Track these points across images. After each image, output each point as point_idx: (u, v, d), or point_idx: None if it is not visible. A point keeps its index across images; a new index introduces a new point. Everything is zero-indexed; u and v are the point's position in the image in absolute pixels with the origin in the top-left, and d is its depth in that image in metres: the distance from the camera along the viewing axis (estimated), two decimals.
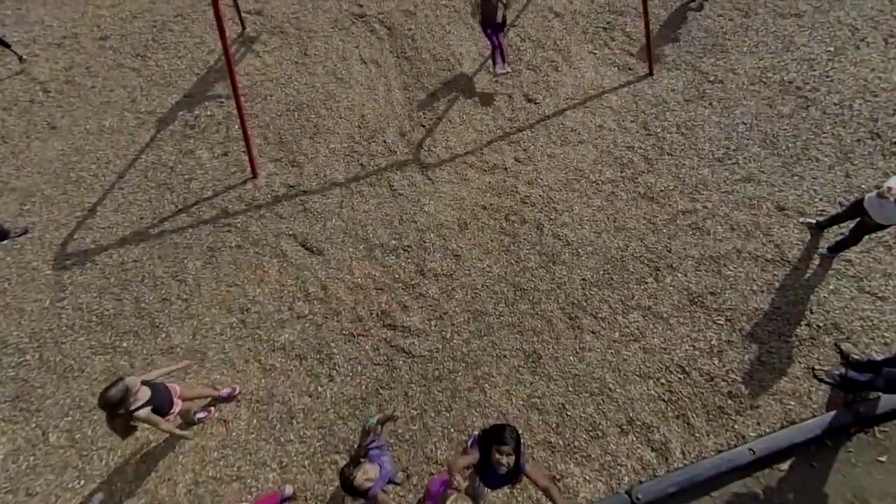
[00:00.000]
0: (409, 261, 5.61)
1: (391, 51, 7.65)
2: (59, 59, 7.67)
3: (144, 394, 3.89)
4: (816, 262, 5.30)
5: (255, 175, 6.31)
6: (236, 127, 6.86)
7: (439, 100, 7.05)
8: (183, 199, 6.20)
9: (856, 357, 4.63)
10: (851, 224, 5.05)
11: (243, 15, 8.09)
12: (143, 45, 7.75)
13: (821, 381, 4.65)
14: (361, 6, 8.11)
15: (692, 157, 6.23)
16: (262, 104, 7.07)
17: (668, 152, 6.30)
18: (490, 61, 7.15)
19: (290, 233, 5.86)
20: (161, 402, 4.02)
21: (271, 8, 8.19)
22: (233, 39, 7.83)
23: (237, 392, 4.83)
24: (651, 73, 7.06)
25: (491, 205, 5.98)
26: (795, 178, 5.94)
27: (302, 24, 7.96)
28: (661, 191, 6.00)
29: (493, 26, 6.85)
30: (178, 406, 4.21)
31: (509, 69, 7.05)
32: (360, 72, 7.42)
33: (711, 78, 6.94)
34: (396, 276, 5.51)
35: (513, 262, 5.57)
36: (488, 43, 7.08)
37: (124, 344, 5.13)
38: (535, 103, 6.89)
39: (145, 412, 3.85)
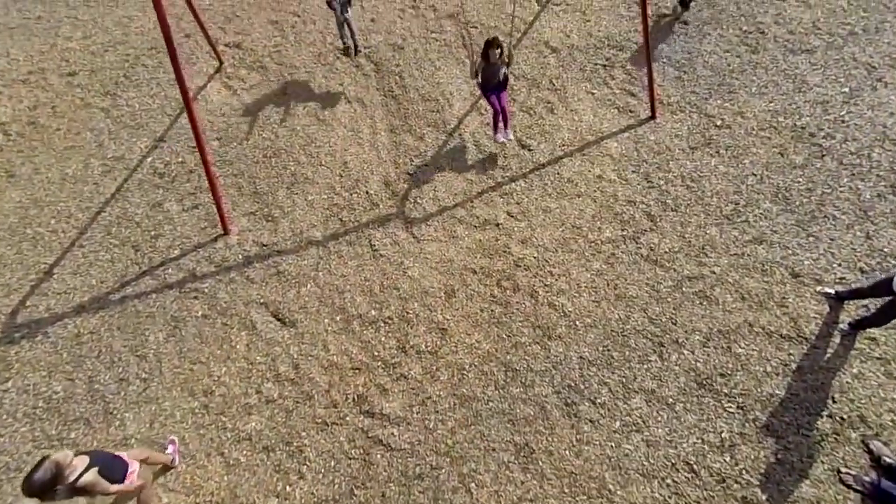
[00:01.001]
0: (390, 335, 5.00)
1: (377, 88, 7.03)
2: (23, 98, 7.03)
3: (82, 461, 3.30)
4: (837, 339, 4.70)
5: (226, 231, 5.70)
6: (205, 185, 6.24)
7: (427, 144, 6.43)
8: (148, 259, 5.58)
9: (889, 460, 4.03)
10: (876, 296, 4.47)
11: (221, 48, 7.46)
12: (114, 81, 7.11)
13: (849, 487, 4.05)
14: (344, 41, 7.47)
15: (698, 214, 5.62)
16: (238, 149, 6.44)
17: (672, 208, 5.69)
18: (492, 125, 6.46)
19: (262, 300, 5.25)
20: (108, 466, 3.43)
21: (251, 41, 7.55)
22: (209, 75, 7.21)
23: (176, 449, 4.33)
24: (653, 117, 6.43)
25: (481, 268, 5.36)
26: (811, 239, 5.33)
27: (283, 59, 7.32)
28: (666, 252, 5.39)
29: (494, 88, 5.91)
30: (134, 466, 3.64)
31: (511, 137, 6.15)
32: (344, 112, 6.79)
33: (718, 122, 6.32)
34: (376, 353, 4.90)
35: (504, 336, 4.96)
36: (488, 102, 6.31)
37: (72, 434, 4.52)
38: (529, 150, 6.26)
39: (91, 475, 3.25)
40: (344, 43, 7.05)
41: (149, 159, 6.36)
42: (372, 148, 6.42)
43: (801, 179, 5.76)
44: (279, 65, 7.26)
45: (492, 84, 5.85)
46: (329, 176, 6.14)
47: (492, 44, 5.48)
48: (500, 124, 5.99)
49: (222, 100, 6.94)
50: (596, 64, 7.02)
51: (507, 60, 5.76)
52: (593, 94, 6.76)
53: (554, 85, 6.85)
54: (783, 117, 6.28)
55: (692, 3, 7.52)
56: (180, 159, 6.37)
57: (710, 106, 6.49)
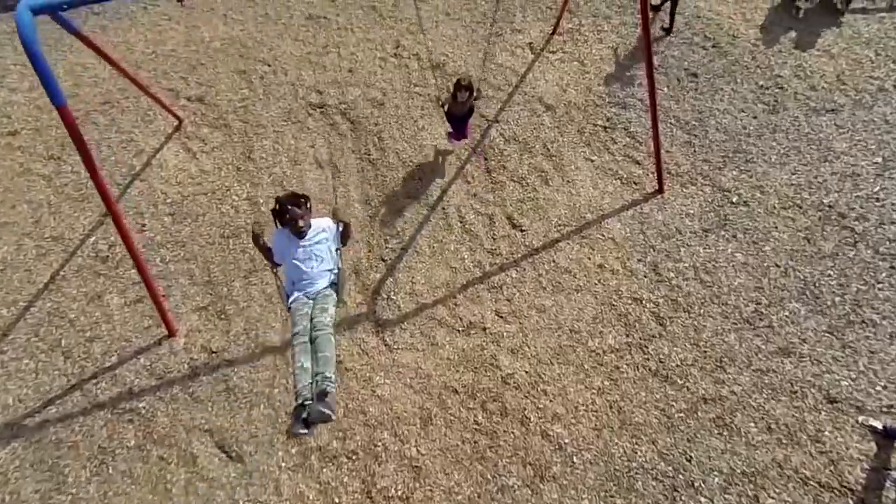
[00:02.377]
0: (354, 474, 4.08)
1: (353, 151, 6.07)
2: None
3: None
4: (893, 494, 3.79)
5: (171, 333, 4.78)
6: (158, 260, 5.31)
7: (406, 219, 5.49)
8: (79, 369, 4.65)
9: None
10: None
11: (182, 102, 6.50)
12: (59, 143, 6.15)
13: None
14: (321, 94, 6.51)
15: (714, 316, 4.70)
16: (193, 227, 5.50)
17: (684, 307, 4.76)
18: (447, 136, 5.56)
19: (206, 426, 4.32)
20: None
21: (216, 93, 6.58)
22: (167, 134, 6.25)
23: None
24: (661, 191, 5.49)
25: (464, 386, 4.44)
26: (847, 351, 4.42)
27: (250, 116, 6.36)
28: (677, 366, 4.47)
29: (459, 118, 5.36)
30: None
31: (465, 143, 5.84)
32: (315, 180, 5.84)
33: (734, 198, 5.39)
34: (336, 499, 3.99)
35: (489, 477, 4.05)
36: (461, 138, 5.66)
37: None
38: (522, 230, 5.33)
39: None
40: None
41: (92, 239, 5.41)
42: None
43: (831, 272, 4.84)
44: (245, 122, 6.30)
45: (458, 116, 5.31)
46: None
47: (461, 86, 4.86)
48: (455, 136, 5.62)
49: (179, 165, 5.98)
50: (596, 125, 6.07)
51: (476, 97, 5.18)
52: (593, 161, 5.81)
53: (549, 150, 5.90)
54: (808, 193, 5.35)
55: (672, 29, 6.77)
56: None
57: (724, 178, 5.55)
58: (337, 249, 3.75)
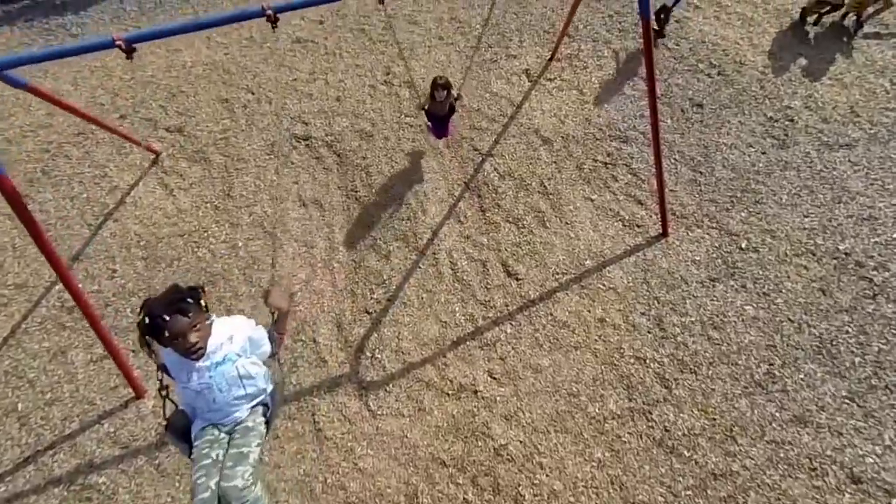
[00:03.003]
0: None
1: (339, 187, 5.64)
2: None
3: None
4: None
5: (138, 395, 4.35)
6: (129, 310, 4.88)
7: (393, 265, 5.06)
8: (36, 437, 4.23)
9: None
10: None
11: (160, 133, 6.06)
12: (29, 178, 5.72)
13: None
14: (307, 125, 6.07)
15: (724, 378, 4.27)
16: (166, 273, 5.07)
17: (690, 368, 4.34)
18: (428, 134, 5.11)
19: None
20: None
21: (196, 123, 6.14)
22: (144, 168, 5.81)
23: None
24: (665, 234, 5.07)
25: (453, 459, 4.01)
26: (870, 421, 4.00)
27: (231, 149, 5.92)
28: (684, 435, 4.05)
29: (440, 118, 5.18)
30: None
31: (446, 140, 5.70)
32: (297, 219, 5.41)
33: (743, 243, 4.96)
34: None
35: None
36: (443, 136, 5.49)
37: None
38: (517, 279, 4.90)
39: None
40: None
41: (58, 287, 4.98)
42: (326, 271, 5.06)
43: (850, 329, 4.41)
44: (225, 156, 5.86)
45: (439, 115, 5.10)
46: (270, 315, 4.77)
47: (438, 85, 4.71)
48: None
49: (155, 202, 5.55)
50: (596, 160, 5.63)
51: (455, 96, 5.01)
52: (593, 200, 5.38)
53: (546, 188, 5.47)
54: (822, 238, 4.92)
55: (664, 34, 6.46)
56: (96, 286, 5.00)
57: (732, 220, 5.12)
58: (271, 356, 2.54)
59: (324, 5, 7.30)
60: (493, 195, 5.43)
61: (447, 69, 6.49)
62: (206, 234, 5.30)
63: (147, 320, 2.05)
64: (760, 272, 4.77)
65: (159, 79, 6.58)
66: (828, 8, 6.28)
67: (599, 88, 6.24)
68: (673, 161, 5.56)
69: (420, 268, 4.99)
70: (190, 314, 2.11)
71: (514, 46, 6.68)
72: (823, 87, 5.99)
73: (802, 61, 6.24)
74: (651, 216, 5.20)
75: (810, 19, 6.48)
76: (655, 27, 6.65)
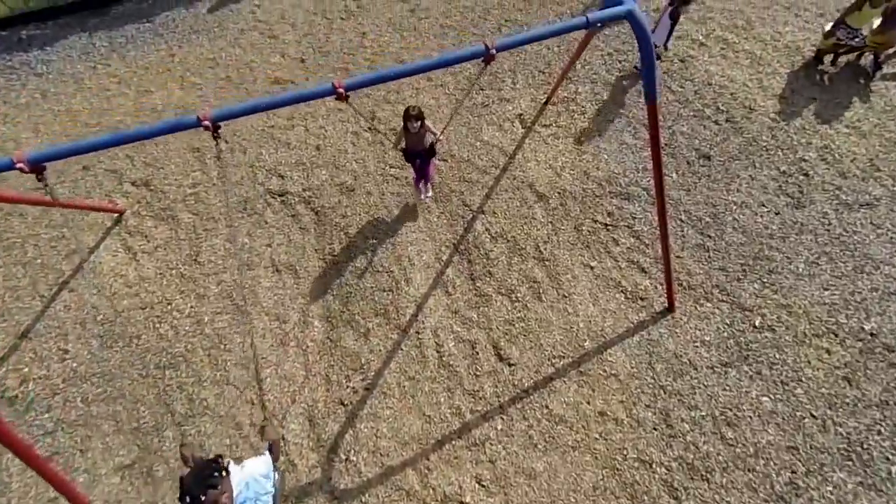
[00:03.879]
0: None
1: (316, 249, 5.05)
2: None
3: None
4: None
5: None
6: (79, 400, 4.30)
7: (372, 346, 4.48)
8: None
9: None
10: None
11: (125, 188, 5.47)
12: None
13: None
14: (283, 178, 5.47)
15: (740, 488, 3.70)
16: (124, 354, 4.49)
17: (702, 474, 3.77)
18: (413, 184, 4.49)
19: None
20: None
21: (164, 176, 5.54)
22: (106, 228, 5.22)
23: None
24: (671, 309, 4.49)
25: None
26: None
27: (200, 207, 5.33)
28: None
29: (418, 155, 4.69)
30: None
31: (430, 194, 5.23)
32: (269, 289, 4.83)
33: (757, 321, 4.38)
34: None
35: None
36: (422, 180, 4.96)
37: None
38: (510, 364, 4.32)
39: None
40: None
41: (1, 370, 4.41)
42: (299, 351, 4.48)
43: (882, 428, 3.85)
44: (194, 215, 5.27)
45: (416, 151, 4.61)
46: (235, 403, 4.20)
47: (410, 116, 4.31)
48: (422, 185, 5.08)
49: (117, 268, 4.96)
50: (595, 221, 5.05)
51: (435, 137, 4.61)
52: (592, 268, 4.80)
53: (542, 252, 4.89)
54: (844, 316, 4.35)
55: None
56: (44, 371, 4.42)
57: (744, 292, 4.54)
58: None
59: (306, 43, 6.73)
60: (485, 260, 4.85)
61: (436, 113, 5.90)
62: (169, 307, 4.71)
63: (187, 499, 2.33)
64: (777, 356, 4.20)
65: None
66: (845, 49, 5.70)
67: (598, 136, 5.65)
68: (679, 222, 4.98)
69: (402, 349, 4.41)
70: (219, 486, 2.38)
71: (508, 89, 6.09)
72: (840, 137, 5.41)
73: (816, 106, 5.66)
74: (656, 286, 4.62)
75: (826, 59, 5.89)
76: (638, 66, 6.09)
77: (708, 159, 5.37)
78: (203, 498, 2.31)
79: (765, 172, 5.23)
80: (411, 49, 6.53)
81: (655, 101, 3.16)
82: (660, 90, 5.78)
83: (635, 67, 6.02)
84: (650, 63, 2.97)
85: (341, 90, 2.55)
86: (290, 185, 5.41)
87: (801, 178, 5.15)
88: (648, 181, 5.19)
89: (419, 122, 4.37)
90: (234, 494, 2.50)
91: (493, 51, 2.65)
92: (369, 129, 5.81)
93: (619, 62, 6.21)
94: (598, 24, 2.78)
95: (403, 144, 4.66)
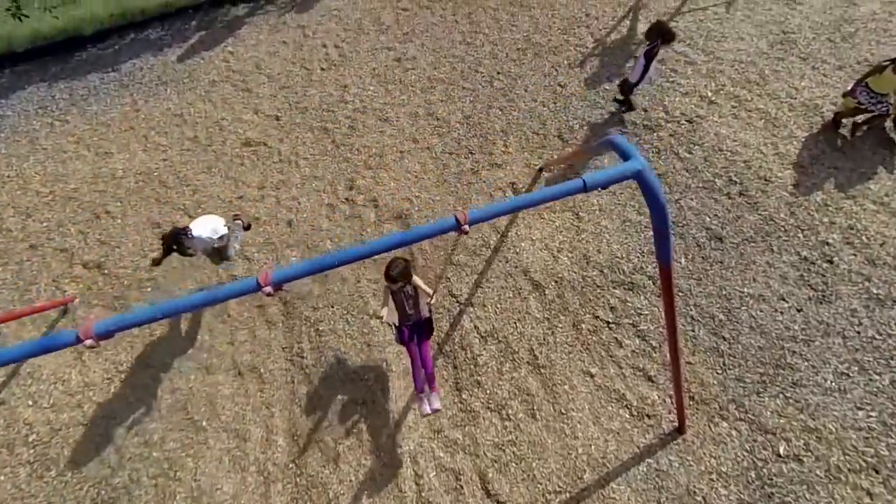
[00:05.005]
0: None
1: (283, 348, 4.36)
2: None
3: None
4: None
5: None
6: None
7: (343, 475, 3.78)
8: None
9: None
10: None
11: (75, 271, 4.77)
12: None
13: None
14: (250, 261, 4.77)
15: None
16: (56, 483, 3.79)
17: None
18: (413, 384, 3.70)
19: None
20: None
21: (119, 257, 4.84)
22: (50, 322, 4.53)
23: None
24: (682, 430, 3.81)
25: None
26: None
27: (157, 294, 4.63)
28: None
29: (412, 328, 3.58)
30: None
31: (439, 406, 3.57)
32: (229, 398, 4.13)
33: (781, 447, 3.70)
34: None
35: None
36: (425, 369, 3.75)
37: None
38: (499, 501, 3.63)
39: None
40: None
41: None
42: (259, 479, 3.79)
43: None
44: (150, 304, 4.57)
45: (408, 322, 3.49)
46: None
47: (389, 277, 3.29)
48: (424, 385, 3.53)
49: (58, 372, 4.27)
50: (596, 317, 4.36)
51: (427, 291, 3.58)
52: (593, 376, 4.11)
53: (536, 356, 4.20)
54: (885, 445, 3.66)
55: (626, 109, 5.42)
56: None
57: (765, 409, 3.86)
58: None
59: (282, 97, 5.95)
60: (472, 366, 4.16)
61: (421, 180, 5.21)
62: (115, 421, 4.02)
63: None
64: (808, 496, 3.52)
65: (83, 194, 5.27)
66: (866, 116, 5.00)
67: (599, 211, 4.95)
68: (689, 320, 4.29)
69: (376, 481, 3.72)
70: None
71: (499, 152, 5.38)
72: (866, 215, 4.71)
73: (839, 178, 4.96)
74: (664, 400, 3.94)
75: (846, 122, 5.20)
76: (620, 97, 5.48)
77: (720, 241, 4.68)
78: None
79: (784, 258, 4.53)
80: (396, 105, 5.82)
81: (670, 265, 2.45)
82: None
83: (615, 100, 5.41)
84: (663, 232, 2.27)
85: (268, 288, 1.85)
86: (257, 269, 4.71)
87: (825, 265, 4.46)
88: (655, 267, 4.50)
89: (402, 283, 3.37)
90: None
91: (466, 227, 1.96)
92: (347, 200, 5.11)
93: (621, 121, 5.50)
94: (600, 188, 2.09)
95: (389, 315, 3.56)
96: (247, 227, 4.57)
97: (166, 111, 5.87)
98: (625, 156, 2.14)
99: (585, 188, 2.06)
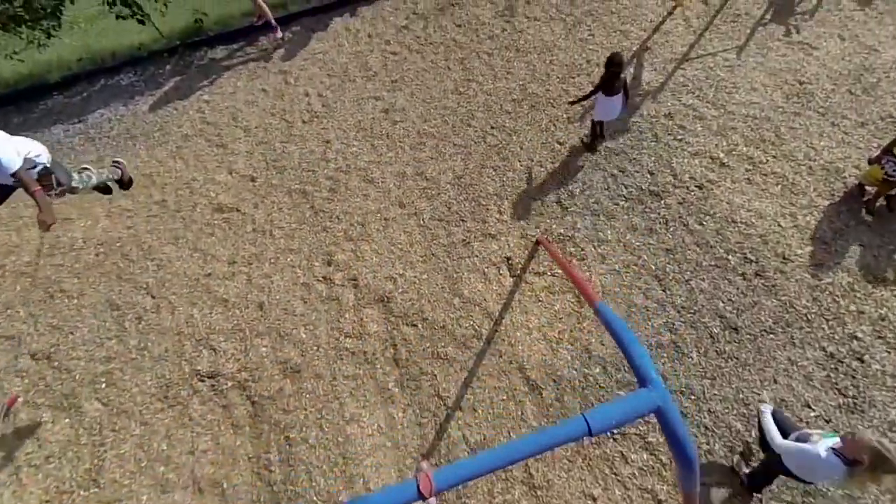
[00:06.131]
0: None
1: (250, 458, 3.76)
2: None
3: None
4: None
5: None
6: None
7: None
8: None
9: None
10: None
11: (24, 363, 4.16)
12: None
13: None
14: (215, 352, 4.17)
15: None
16: None
17: None
18: None
19: None
20: None
21: (71, 346, 4.23)
22: None
23: None
24: None
25: None
26: None
27: (111, 393, 4.03)
28: None
29: None
30: None
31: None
32: None
33: None
34: None
35: None
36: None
37: None
38: None
39: None
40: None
41: None
42: None
43: None
44: (104, 405, 3.97)
45: None
46: None
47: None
48: None
49: None
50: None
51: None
52: (595, 499, 3.51)
53: (531, 475, 3.60)
54: None
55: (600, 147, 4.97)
56: None
57: None
58: None
59: (259, 154, 5.27)
60: (460, 488, 3.56)
61: (406, 254, 4.59)
62: None
63: None
64: None
65: (37, 268, 4.65)
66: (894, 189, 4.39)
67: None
68: (703, 430, 3.68)
69: None
70: None
71: (493, 220, 4.77)
72: None
73: (865, 256, 4.34)
74: None
75: (869, 190, 4.58)
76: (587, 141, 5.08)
77: (735, 331, 4.07)
78: None
79: (808, 354, 3.92)
80: (382, 163, 5.20)
81: (696, 497, 1.83)
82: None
83: (581, 141, 5.05)
84: (689, 466, 1.65)
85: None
86: (223, 362, 4.10)
87: (855, 364, 3.85)
88: (663, 365, 3.90)
89: None
90: None
91: (431, 500, 1.37)
92: (324, 278, 4.49)
93: (625, 186, 4.88)
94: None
95: None
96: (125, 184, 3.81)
97: (134, 170, 5.25)
98: (641, 378, 1.53)
99: (590, 432, 1.46)
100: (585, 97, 4.70)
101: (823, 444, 2.59)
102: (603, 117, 4.74)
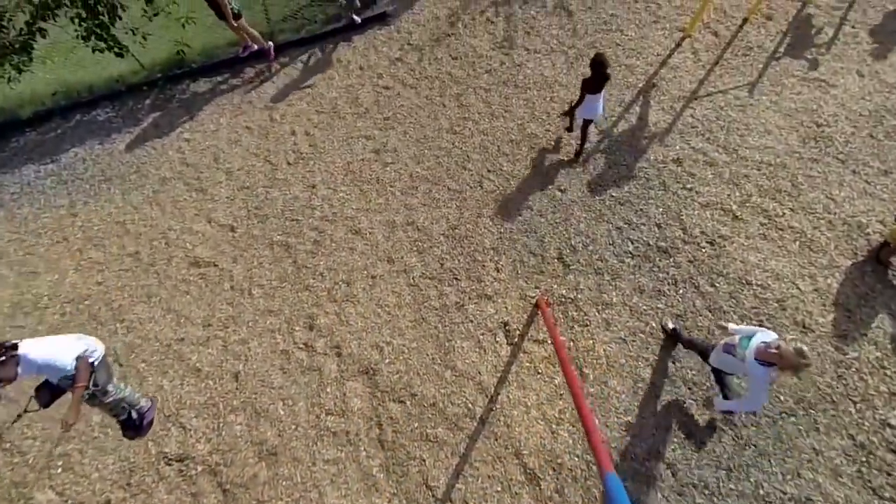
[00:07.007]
0: None
1: None
2: None
3: None
4: None
5: None
6: None
7: None
8: None
9: None
10: None
11: None
12: None
13: None
14: (185, 430, 3.70)
15: None
16: None
17: None
18: None
19: None
20: None
21: (27, 422, 3.78)
22: None
23: None
24: None
25: None
26: None
27: (68, 480, 3.57)
28: None
29: None
30: None
31: None
32: None
33: None
34: None
35: None
36: None
37: None
38: None
39: None
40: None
41: None
42: None
43: None
44: (59, 496, 3.52)
45: None
46: None
47: None
48: None
49: None
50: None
51: None
52: None
53: None
54: None
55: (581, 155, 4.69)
56: None
57: None
58: None
59: (240, 200, 4.71)
60: (460, 487, 3.11)
61: (394, 319, 4.12)
62: None
63: None
64: None
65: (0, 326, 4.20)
66: None
67: (605, 363, 3.87)
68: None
69: None
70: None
71: (489, 278, 4.30)
72: None
73: (895, 327, 3.87)
74: None
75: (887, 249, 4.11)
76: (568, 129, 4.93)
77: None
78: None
79: (834, 443, 3.46)
80: (371, 211, 4.73)
81: None
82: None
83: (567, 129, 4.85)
84: None
85: None
86: (194, 442, 3.64)
87: (888, 457, 3.38)
88: (672, 451, 3.44)
89: None
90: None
91: None
92: (305, 345, 4.03)
93: (631, 241, 4.41)
94: None
95: None
96: (137, 430, 3.43)
97: (107, 217, 4.78)
98: None
99: None
100: (576, 104, 4.39)
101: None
102: (588, 115, 4.37)
